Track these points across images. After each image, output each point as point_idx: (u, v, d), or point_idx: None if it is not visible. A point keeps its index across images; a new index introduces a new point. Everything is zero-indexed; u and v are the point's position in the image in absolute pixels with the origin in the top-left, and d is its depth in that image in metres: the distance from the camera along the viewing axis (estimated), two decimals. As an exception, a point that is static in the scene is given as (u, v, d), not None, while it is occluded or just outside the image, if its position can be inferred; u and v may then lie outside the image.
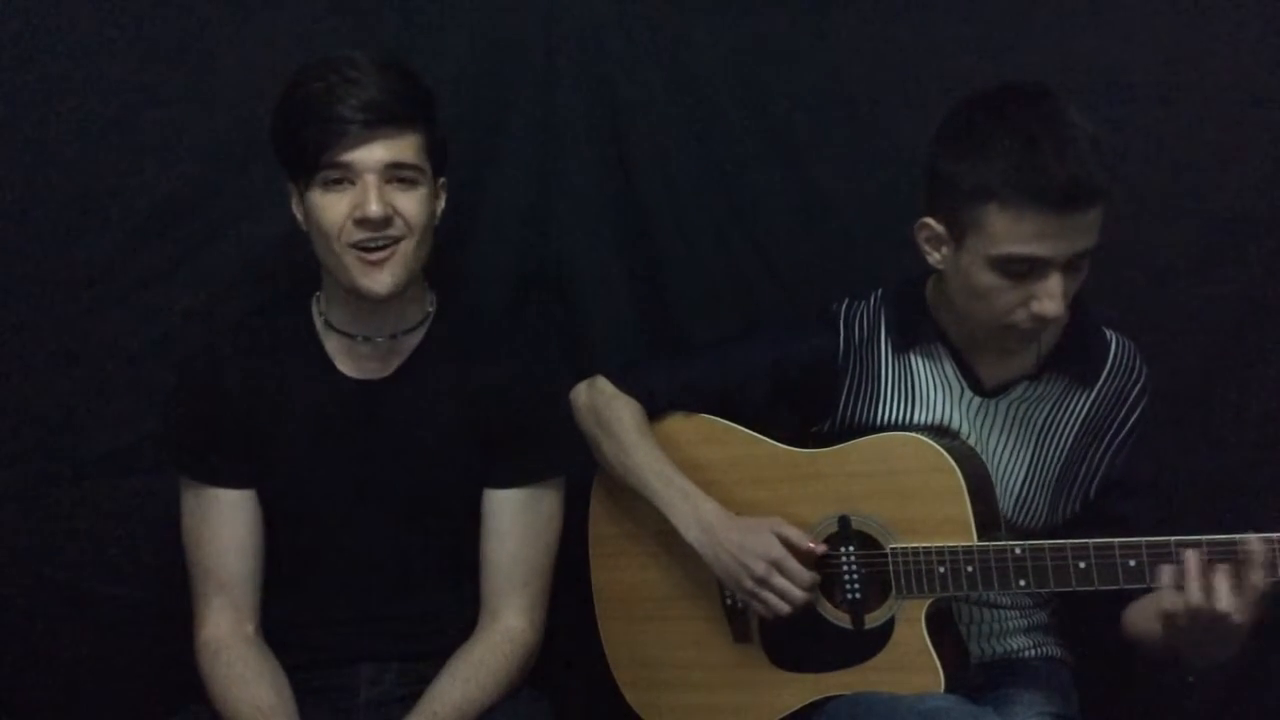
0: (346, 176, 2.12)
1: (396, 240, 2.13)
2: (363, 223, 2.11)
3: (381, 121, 2.10)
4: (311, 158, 2.11)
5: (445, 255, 2.51)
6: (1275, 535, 1.92)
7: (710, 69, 2.57)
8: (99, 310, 2.57)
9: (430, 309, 2.30)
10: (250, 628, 2.24)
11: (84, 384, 2.58)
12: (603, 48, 2.56)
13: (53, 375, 2.58)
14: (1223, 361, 2.54)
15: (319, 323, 2.27)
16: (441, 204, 2.25)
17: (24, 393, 2.58)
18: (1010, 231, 2.00)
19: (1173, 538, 1.96)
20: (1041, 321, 2.05)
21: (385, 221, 2.11)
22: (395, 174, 2.13)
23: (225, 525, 2.23)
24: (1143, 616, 2.14)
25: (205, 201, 2.56)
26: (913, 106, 2.45)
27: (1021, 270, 2.02)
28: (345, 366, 2.26)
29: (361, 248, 2.12)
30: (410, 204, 2.14)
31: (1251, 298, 2.52)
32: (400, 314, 2.25)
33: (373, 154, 2.11)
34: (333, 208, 2.12)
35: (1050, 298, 2.02)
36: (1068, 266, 2.02)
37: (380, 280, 2.13)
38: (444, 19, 2.55)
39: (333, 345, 2.26)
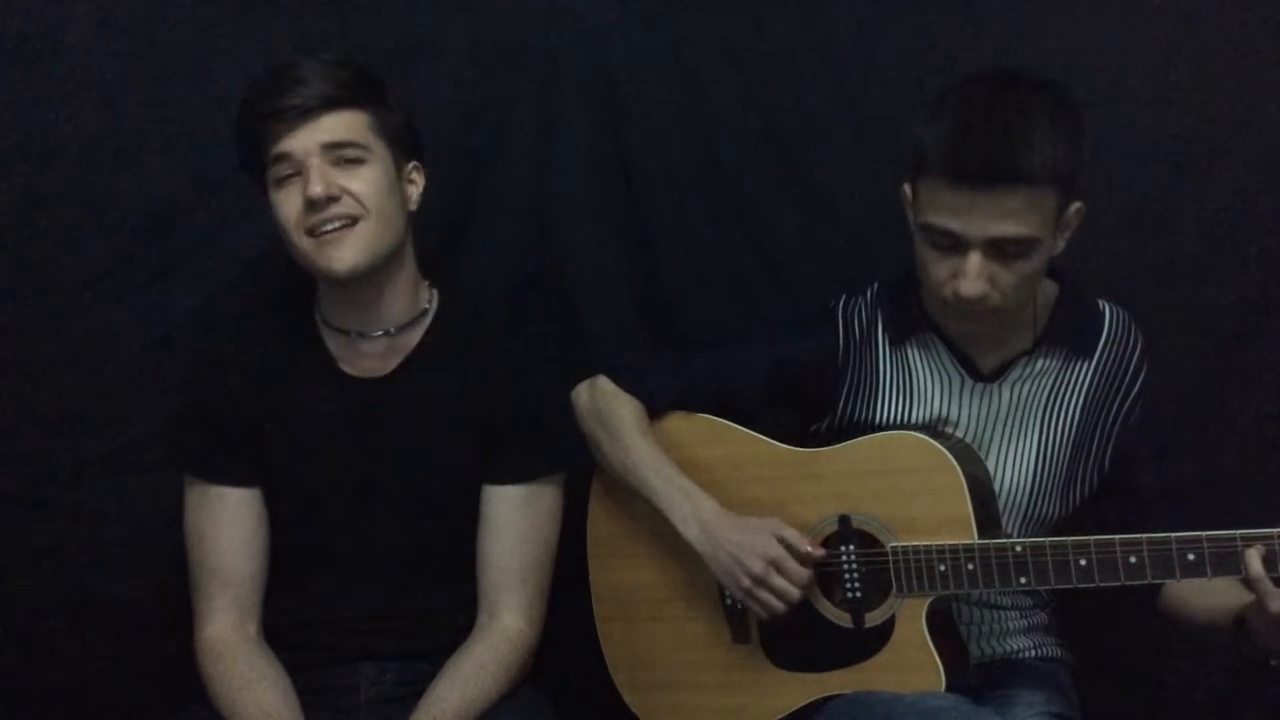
0: (294, 169, 2.13)
1: (353, 220, 2.14)
2: (310, 205, 2.12)
3: (319, 107, 2.13)
4: (257, 154, 2.15)
5: (445, 254, 2.52)
6: None
7: (710, 69, 2.58)
8: (99, 310, 2.57)
9: (428, 306, 2.29)
10: (253, 628, 2.24)
11: (84, 384, 2.58)
12: (603, 48, 2.57)
13: (53, 375, 2.58)
14: (1223, 361, 2.54)
15: (319, 321, 2.27)
16: (418, 189, 2.26)
17: (24, 393, 2.58)
18: (931, 202, 2.03)
19: (1174, 534, 1.97)
20: (966, 302, 2.06)
21: (330, 200, 2.12)
22: (338, 154, 2.14)
23: (229, 524, 2.23)
24: (1203, 597, 2.14)
25: (205, 201, 2.56)
26: (912, 106, 2.45)
27: (944, 244, 2.04)
28: (346, 365, 2.26)
29: (316, 232, 2.13)
30: (359, 182, 2.14)
31: (1251, 298, 2.52)
32: (391, 308, 2.24)
33: (313, 135, 2.13)
34: (286, 201, 2.15)
35: (965, 277, 2.04)
36: (991, 250, 2.02)
37: (339, 257, 2.14)
38: (444, 20, 2.56)
39: (333, 344, 2.26)
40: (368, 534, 2.24)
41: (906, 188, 2.11)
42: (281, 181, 2.15)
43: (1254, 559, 1.93)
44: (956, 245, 2.03)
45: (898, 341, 2.24)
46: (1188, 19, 2.49)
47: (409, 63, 2.55)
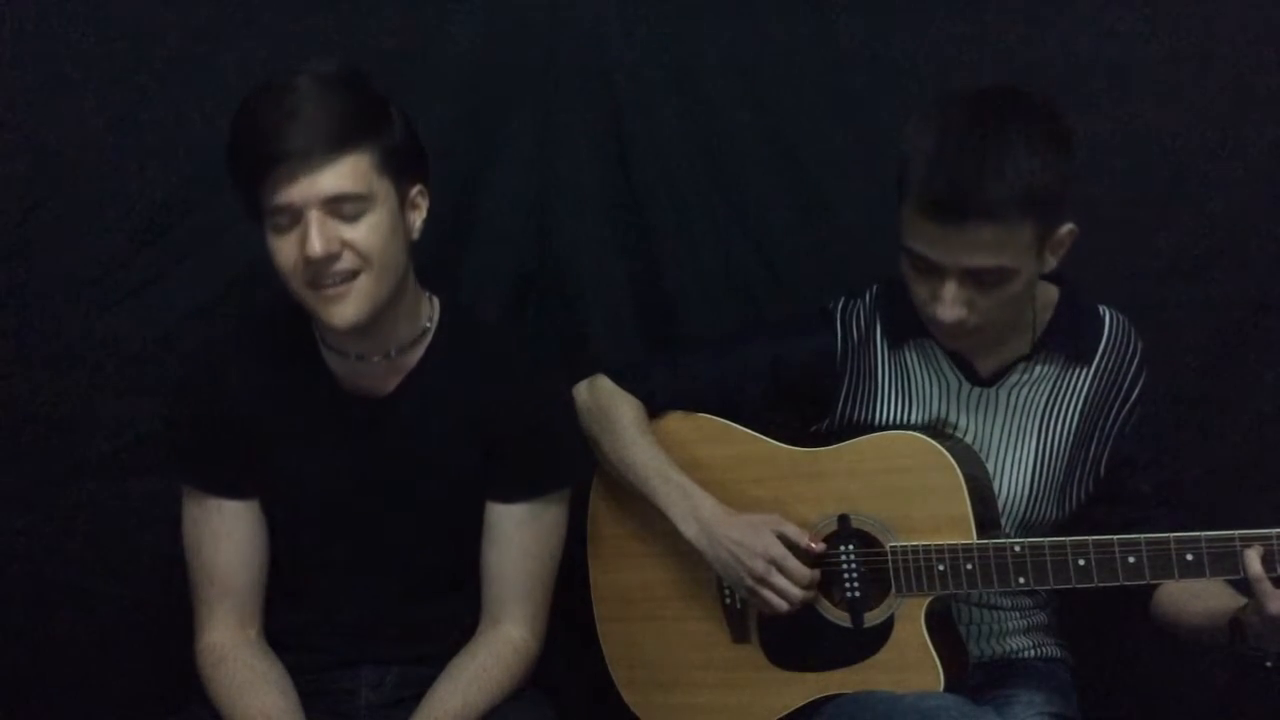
0: (293, 219, 2.02)
1: (353, 274, 2.04)
2: (309, 262, 2.01)
3: (320, 153, 1.99)
4: (255, 200, 2.03)
5: (445, 257, 2.51)
6: None
7: (710, 69, 2.58)
8: (99, 310, 2.57)
9: (429, 325, 2.22)
10: (253, 633, 2.22)
11: (84, 384, 2.58)
12: (604, 48, 2.57)
13: (53, 375, 2.58)
14: (1223, 361, 2.54)
15: (318, 339, 2.22)
16: (421, 214, 2.14)
17: (24, 393, 2.58)
18: (909, 227, 2.03)
19: (1172, 534, 1.97)
20: (945, 325, 2.06)
21: (331, 258, 2.01)
22: (338, 208, 2.01)
23: (228, 535, 2.21)
24: (1196, 602, 2.14)
25: (205, 201, 2.56)
26: (913, 106, 2.45)
27: (921, 268, 2.04)
28: (347, 383, 2.21)
29: (316, 285, 2.04)
30: (360, 234, 2.02)
31: (1251, 298, 2.52)
32: (392, 334, 2.17)
33: (313, 188, 1.99)
34: (284, 250, 2.03)
35: (940, 302, 2.04)
36: (967, 278, 2.01)
37: (340, 314, 2.05)
38: (445, 19, 2.56)
39: (333, 361, 2.21)
40: (368, 547, 2.22)
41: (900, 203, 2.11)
42: (279, 229, 2.04)
43: (1253, 559, 1.93)
44: (931, 270, 2.03)
45: (896, 345, 2.24)
46: (1188, 19, 2.48)
47: (409, 63, 2.55)
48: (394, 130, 2.09)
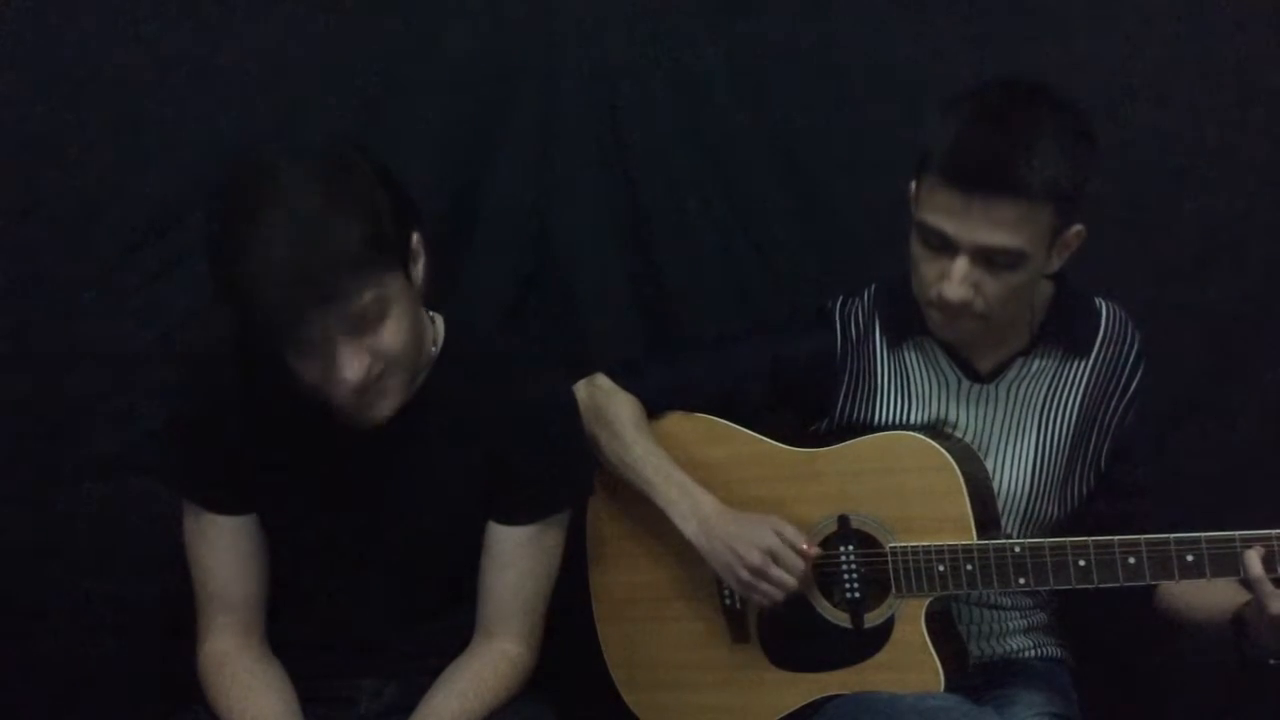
0: (314, 346, 1.93)
1: (381, 375, 1.99)
2: (341, 384, 1.96)
3: (343, 291, 1.89)
4: (265, 321, 1.92)
5: (444, 260, 2.50)
6: None
7: (710, 69, 2.58)
8: (99, 310, 2.57)
9: (434, 351, 2.17)
10: (255, 640, 2.21)
11: (84, 384, 2.57)
12: (603, 47, 2.57)
13: (53, 375, 2.57)
14: (1223, 361, 2.54)
15: None
16: (421, 258, 2.04)
17: (24, 393, 2.57)
18: (928, 199, 2.03)
19: (1172, 535, 1.97)
20: (947, 306, 2.06)
21: (363, 380, 1.96)
22: (358, 331, 1.94)
23: (227, 550, 2.19)
24: (1200, 596, 2.16)
25: (205, 202, 2.55)
26: (913, 106, 2.46)
27: (935, 244, 2.04)
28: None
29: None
30: (386, 337, 1.97)
31: (1251, 298, 2.53)
32: None
33: (336, 320, 1.91)
34: (308, 372, 1.97)
35: (949, 280, 2.04)
36: (979, 257, 2.02)
37: (372, 415, 2.02)
38: (444, 18, 2.56)
39: None
40: (369, 566, 2.20)
41: (913, 183, 2.11)
42: (301, 353, 1.95)
43: (1254, 560, 1.94)
44: (946, 247, 2.03)
45: (895, 343, 2.24)
46: (1187, 19, 2.49)
47: (409, 63, 2.55)
48: (387, 217, 1.95)
